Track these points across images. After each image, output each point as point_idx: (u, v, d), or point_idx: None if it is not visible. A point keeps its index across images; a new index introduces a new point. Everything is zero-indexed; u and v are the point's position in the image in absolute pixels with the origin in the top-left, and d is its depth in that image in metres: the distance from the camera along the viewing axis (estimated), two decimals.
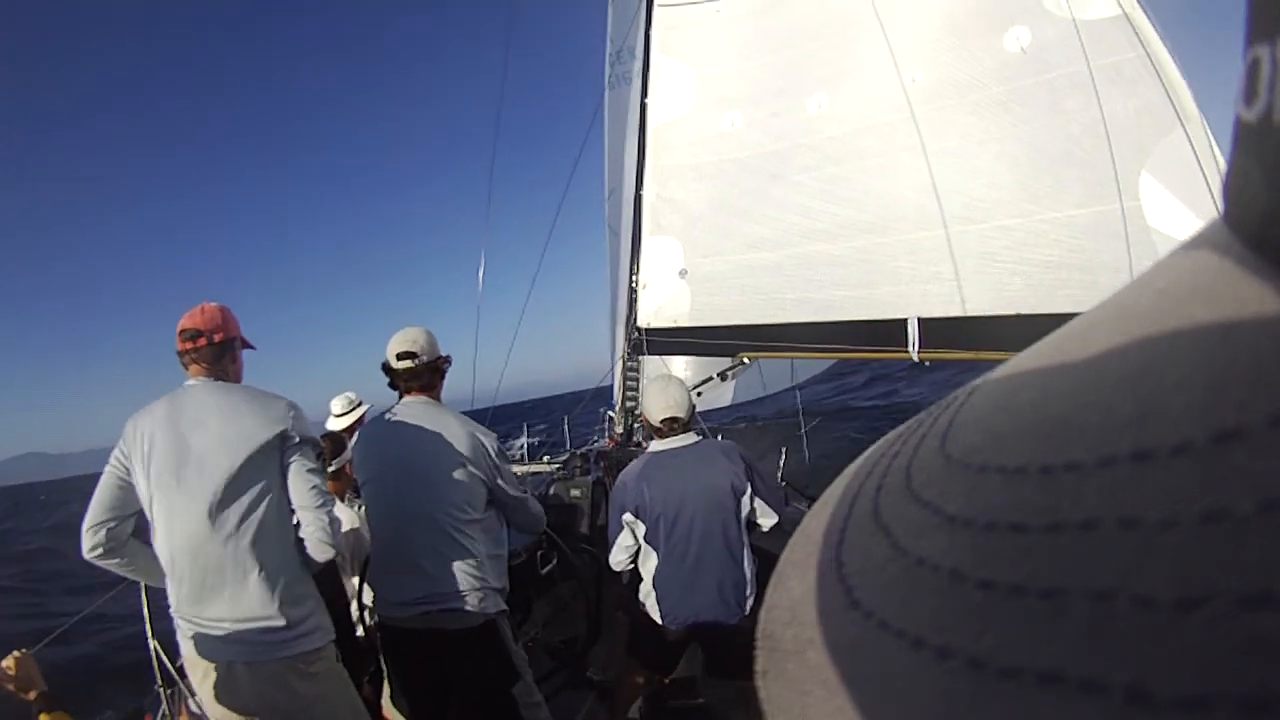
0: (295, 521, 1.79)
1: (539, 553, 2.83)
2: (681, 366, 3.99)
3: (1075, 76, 3.22)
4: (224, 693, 1.73)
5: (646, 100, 3.72)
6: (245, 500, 1.70)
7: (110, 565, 1.80)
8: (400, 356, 2.08)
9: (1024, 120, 3.29)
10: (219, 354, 1.83)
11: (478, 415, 2.36)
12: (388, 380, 2.14)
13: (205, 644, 1.73)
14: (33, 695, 1.59)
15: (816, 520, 0.18)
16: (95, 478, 1.85)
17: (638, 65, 3.87)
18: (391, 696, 2.21)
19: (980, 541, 0.13)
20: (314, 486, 1.77)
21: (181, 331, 1.82)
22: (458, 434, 2.03)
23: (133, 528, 1.80)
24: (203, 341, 1.80)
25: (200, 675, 1.75)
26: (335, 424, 3.13)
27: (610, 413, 4.11)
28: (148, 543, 1.79)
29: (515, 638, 2.12)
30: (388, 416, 2.12)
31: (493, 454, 2.06)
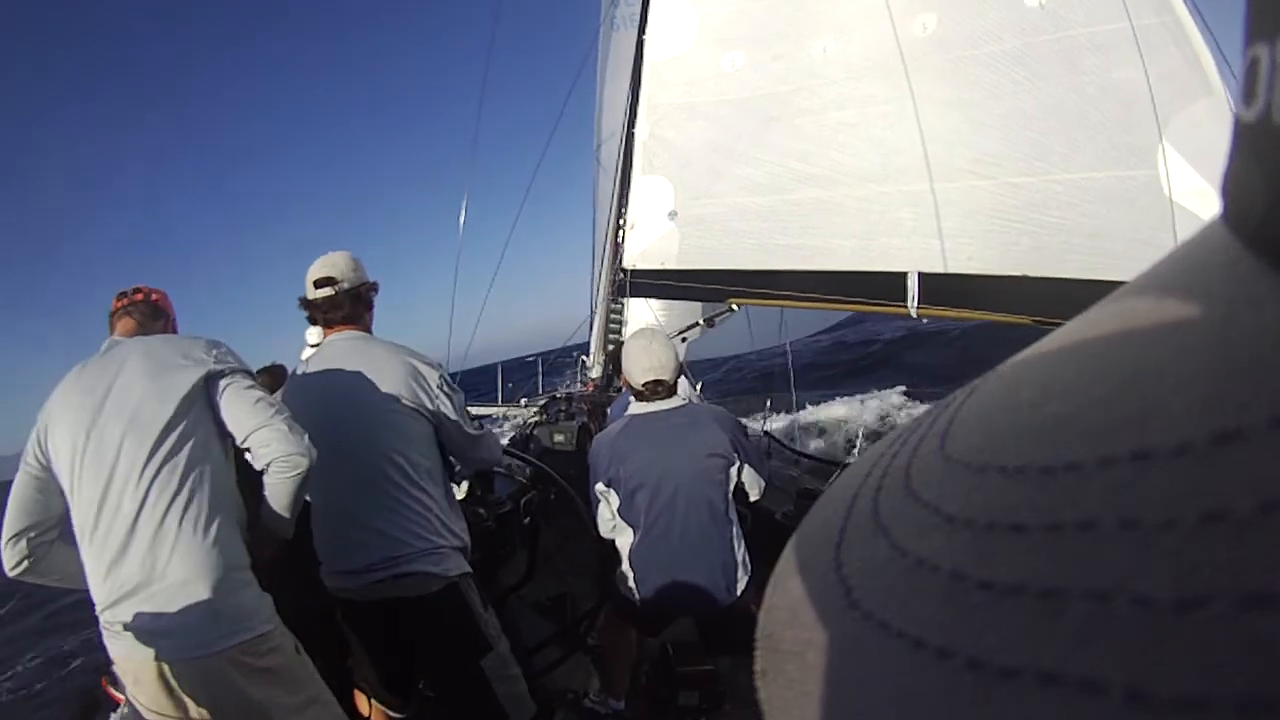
0: (231, 489, 1.50)
1: (524, 499, 2.56)
2: (660, 309, 3.82)
3: (1096, 36, 3.06)
4: (158, 699, 1.40)
5: (644, 36, 3.58)
6: (168, 460, 1.41)
7: (40, 580, 1.52)
8: (318, 284, 1.78)
9: (1040, 77, 3.12)
10: (154, 313, 1.63)
11: (452, 375, 2.13)
12: (308, 317, 1.84)
13: (126, 641, 1.40)
14: None
15: (816, 521, 0.18)
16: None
17: (639, 6, 3.75)
18: (357, 675, 1.90)
19: (980, 542, 0.13)
20: (259, 399, 1.49)
21: (120, 294, 1.63)
22: (389, 367, 1.73)
23: (58, 534, 1.51)
24: (139, 296, 1.61)
25: (131, 680, 1.44)
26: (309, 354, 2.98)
27: (584, 357, 3.93)
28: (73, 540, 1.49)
29: (485, 602, 1.81)
30: (310, 362, 1.82)
31: (433, 385, 1.76)
